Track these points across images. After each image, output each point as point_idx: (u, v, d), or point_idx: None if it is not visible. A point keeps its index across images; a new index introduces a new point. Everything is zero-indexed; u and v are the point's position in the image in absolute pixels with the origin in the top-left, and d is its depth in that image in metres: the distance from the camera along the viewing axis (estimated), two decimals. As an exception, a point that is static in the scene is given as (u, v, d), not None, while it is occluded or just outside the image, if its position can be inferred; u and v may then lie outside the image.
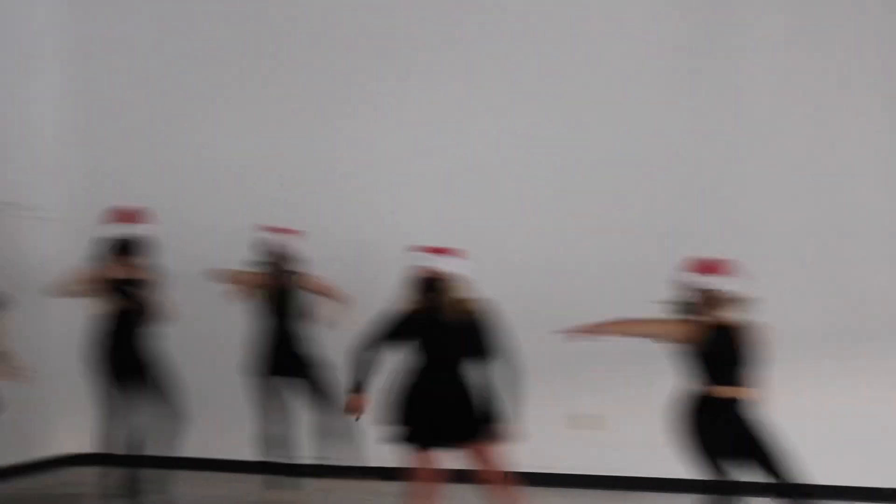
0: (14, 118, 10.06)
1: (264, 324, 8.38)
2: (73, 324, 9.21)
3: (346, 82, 9.85)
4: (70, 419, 10.02)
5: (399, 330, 6.66)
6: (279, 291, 8.37)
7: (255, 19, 10.22)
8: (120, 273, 7.90)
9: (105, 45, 10.61)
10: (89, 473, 9.48)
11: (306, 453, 8.73)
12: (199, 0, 10.45)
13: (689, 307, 6.22)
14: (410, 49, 9.73)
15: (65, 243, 10.07)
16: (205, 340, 9.77)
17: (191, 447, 8.66)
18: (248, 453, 9.10)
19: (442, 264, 6.68)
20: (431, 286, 6.65)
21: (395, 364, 6.75)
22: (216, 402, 9.56)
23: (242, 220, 9.32)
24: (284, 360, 8.34)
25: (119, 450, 7.99)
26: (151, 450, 8.05)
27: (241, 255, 8.68)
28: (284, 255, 8.40)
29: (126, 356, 7.92)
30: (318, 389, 8.39)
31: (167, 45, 10.44)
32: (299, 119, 10.00)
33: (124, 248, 7.94)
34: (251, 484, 9.02)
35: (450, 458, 6.71)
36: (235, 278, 8.39)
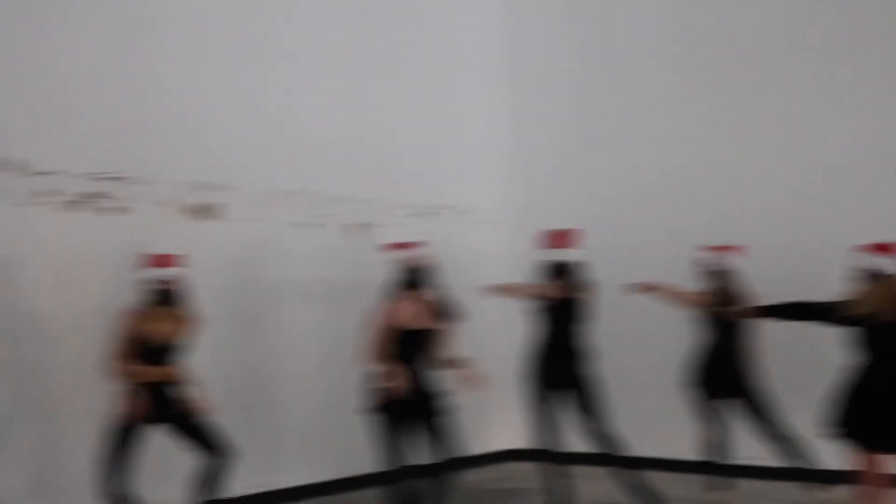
0: (456, 127, 10.64)
1: (701, 338, 8.35)
2: (509, 323, 9.66)
3: (784, 89, 9.62)
4: (506, 416, 10.47)
5: (841, 316, 6.44)
6: (715, 308, 8.26)
7: (685, 25, 10.19)
8: (557, 293, 8.18)
9: (538, 57, 10.96)
10: (524, 469, 9.93)
11: (744, 455, 8.62)
12: (624, 8, 10.57)
13: None
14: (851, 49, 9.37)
15: (500, 245, 10.66)
16: (638, 346, 10.04)
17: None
18: (686, 453, 9.11)
19: (886, 261, 6.39)
20: (878, 283, 6.37)
21: (843, 362, 6.52)
22: (652, 403, 9.78)
23: (676, 234, 9.59)
24: (719, 378, 8.26)
25: (550, 447, 8.27)
26: (586, 448, 8.28)
27: (674, 270, 8.81)
28: (725, 273, 8.30)
29: (558, 365, 8.20)
30: (754, 399, 8.25)
31: (599, 56, 10.62)
32: (732, 127, 9.86)
33: (559, 271, 8.21)
34: (690, 483, 9.03)
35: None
36: (666, 293, 8.41)
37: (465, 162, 10.63)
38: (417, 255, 7.02)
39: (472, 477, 9.58)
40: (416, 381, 6.84)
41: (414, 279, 6.96)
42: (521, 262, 9.41)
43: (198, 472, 6.79)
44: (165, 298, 6.78)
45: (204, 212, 8.35)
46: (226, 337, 8.29)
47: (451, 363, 6.89)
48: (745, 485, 8.79)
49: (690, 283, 8.50)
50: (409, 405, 6.80)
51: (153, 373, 6.71)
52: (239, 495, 8.26)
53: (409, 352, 6.83)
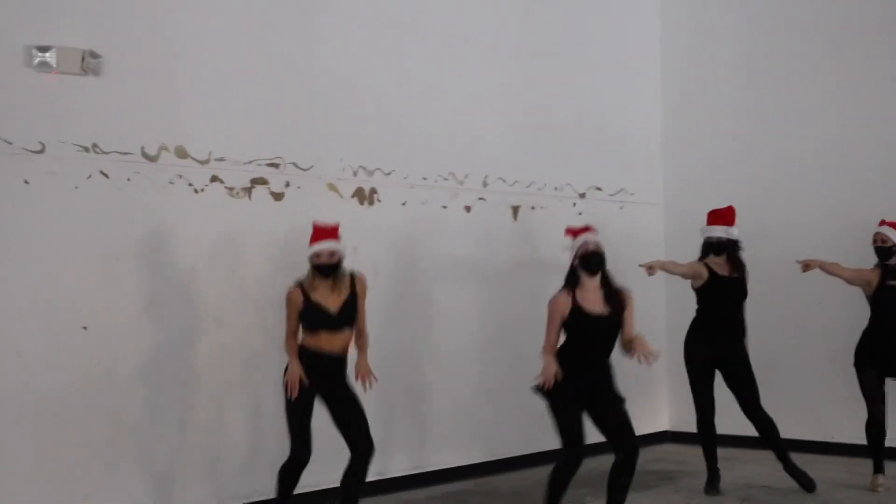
0: (623, 114, 10.76)
1: (874, 318, 8.24)
2: (671, 302, 9.70)
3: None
4: (653, 398, 10.59)
5: None
6: (882, 286, 8.15)
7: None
8: (716, 270, 8.20)
9: (700, 37, 10.96)
10: (671, 451, 10.13)
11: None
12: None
13: None
14: None
15: (665, 227, 10.90)
16: (801, 327, 10.02)
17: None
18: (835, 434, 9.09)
19: None
20: None
21: None
22: (811, 385, 9.85)
23: (838, 211, 9.67)
24: (887, 357, 8.14)
25: (706, 428, 8.30)
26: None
27: (830, 248, 8.90)
28: (888, 250, 8.19)
29: (717, 344, 8.21)
30: None
31: (751, 39, 10.56)
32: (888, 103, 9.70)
33: (718, 248, 8.23)
34: (839, 466, 9.04)
35: None
36: (827, 269, 8.33)
37: (621, 145, 10.67)
38: (593, 240, 6.83)
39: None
40: (591, 367, 6.73)
41: (590, 265, 6.77)
42: (672, 242, 9.51)
43: (346, 469, 6.82)
44: (331, 270, 6.81)
45: (364, 196, 8.57)
46: (383, 318, 8.45)
47: (627, 344, 6.79)
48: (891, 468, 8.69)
49: (849, 261, 8.46)
50: (582, 390, 6.66)
51: (324, 343, 6.79)
52: (395, 476, 8.58)
53: (587, 338, 6.71)
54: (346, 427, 6.86)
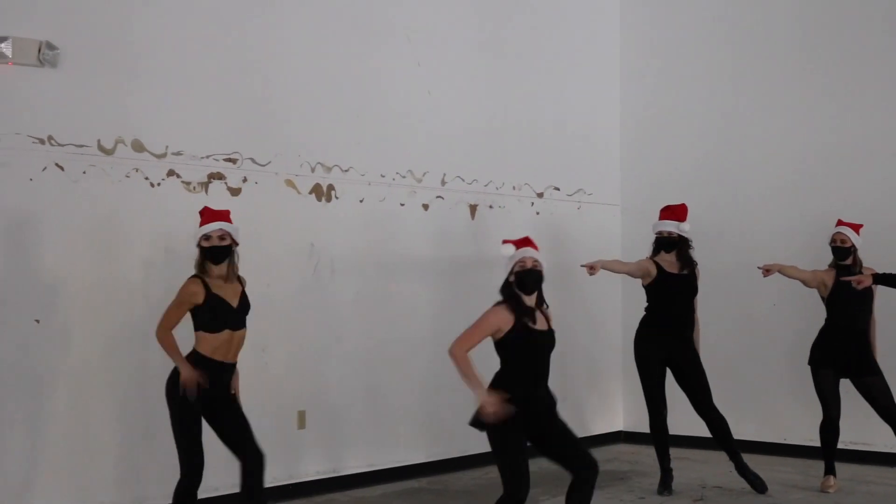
0: (582, 115, 10.79)
1: (830, 318, 8.28)
2: (626, 301, 9.76)
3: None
4: (622, 397, 10.69)
5: None
6: (837, 286, 8.19)
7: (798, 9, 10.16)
8: (665, 267, 8.23)
9: (660, 36, 11.01)
10: (625, 451, 10.16)
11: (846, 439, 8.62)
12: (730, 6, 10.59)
13: None
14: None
15: (622, 227, 10.97)
16: (755, 328, 10.09)
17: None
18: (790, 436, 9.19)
19: None
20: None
21: None
22: (764, 386, 9.95)
23: (794, 213, 9.77)
24: (843, 357, 8.16)
25: (656, 428, 8.33)
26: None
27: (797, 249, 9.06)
28: (849, 250, 8.23)
29: (668, 342, 8.24)
30: (877, 379, 8.12)
31: (718, 38, 10.61)
32: (850, 110, 9.79)
33: (670, 244, 8.26)
34: (793, 468, 9.07)
35: None
36: (786, 273, 8.37)
37: (579, 145, 10.70)
38: (531, 257, 6.22)
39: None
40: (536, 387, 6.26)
41: (525, 285, 6.24)
42: (629, 243, 9.59)
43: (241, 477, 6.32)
44: (222, 254, 6.31)
45: (322, 192, 8.51)
46: (340, 315, 8.49)
47: None
48: (846, 469, 8.80)
49: (805, 263, 8.57)
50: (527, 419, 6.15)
51: (227, 347, 6.26)
52: (349, 473, 8.54)
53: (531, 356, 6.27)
54: (231, 427, 6.32)
